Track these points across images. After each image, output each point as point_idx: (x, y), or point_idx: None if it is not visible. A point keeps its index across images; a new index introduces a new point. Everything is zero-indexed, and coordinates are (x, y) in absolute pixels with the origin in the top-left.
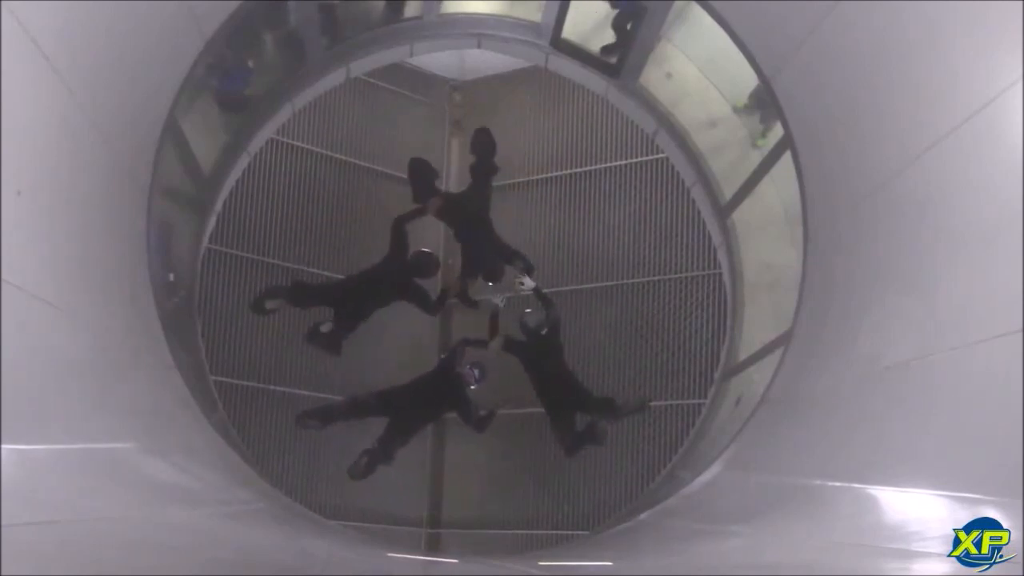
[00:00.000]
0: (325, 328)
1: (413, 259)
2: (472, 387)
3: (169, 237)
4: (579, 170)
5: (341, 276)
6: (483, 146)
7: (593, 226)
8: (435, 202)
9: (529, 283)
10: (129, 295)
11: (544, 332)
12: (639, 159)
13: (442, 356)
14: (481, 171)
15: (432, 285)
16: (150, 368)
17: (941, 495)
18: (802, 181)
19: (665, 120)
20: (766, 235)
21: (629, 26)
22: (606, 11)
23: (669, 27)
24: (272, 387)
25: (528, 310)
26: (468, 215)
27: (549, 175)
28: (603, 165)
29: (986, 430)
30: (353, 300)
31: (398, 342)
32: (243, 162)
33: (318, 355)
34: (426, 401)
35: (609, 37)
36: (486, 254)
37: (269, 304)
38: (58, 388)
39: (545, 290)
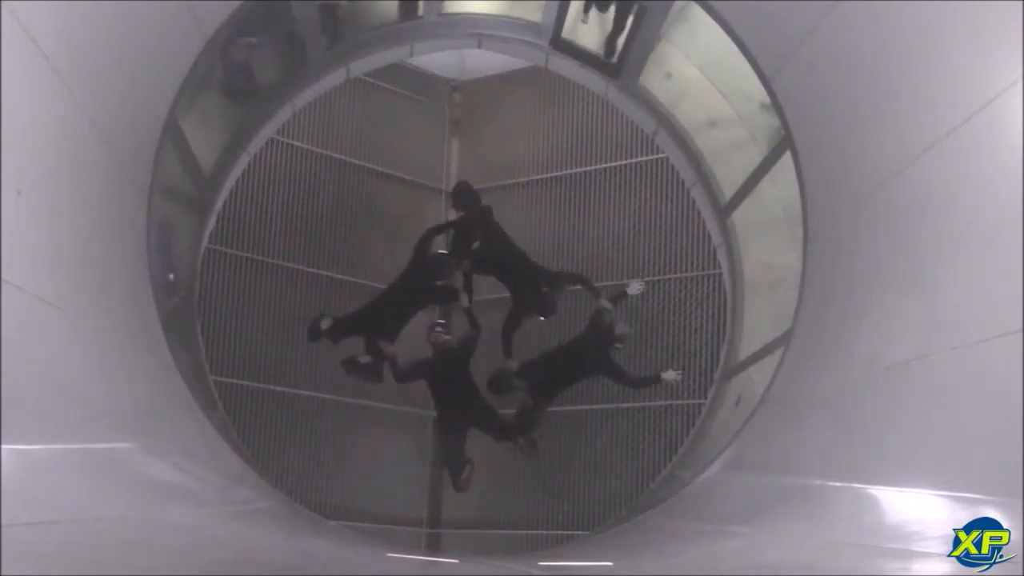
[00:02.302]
0: (364, 360)
1: (430, 263)
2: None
3: (169, 237)
4: (579, 170)
5: (365, 293)
6: (467, 200)
7: (593, 226)
8: (465, 264)
9: (635, 287)
10: (129, 295)
11: (616, 344)
12: (639, 159)
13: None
14: (476, 218)
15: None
16: (150, 368)
17: (941, 495)
18: (802, 181)
19: (665, 120)
20: (766, 235)
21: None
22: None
23: (669, 27)
24: (272, 387)
25: (621, 321)
26: (496, 257)
27: (549, 175)
28: (603, 165)
29: (986, 430)
30: (385, 319)
31: (398, 340)
32: (243, 162)
33: (318, 356)
34: (458, 396)
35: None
36: (530, 290)
37: (324, 323)
38: (58, 388)
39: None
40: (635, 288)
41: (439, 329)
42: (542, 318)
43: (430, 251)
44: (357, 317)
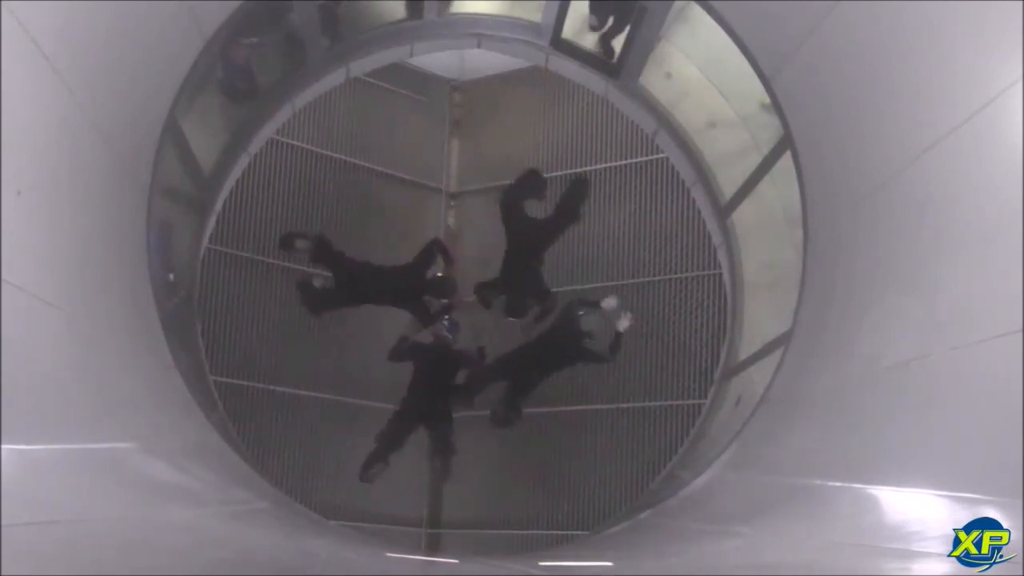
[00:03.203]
0: (317, 282)
1: (433, 281)
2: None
3: (169, 237)
4: (579, 170)
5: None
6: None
7: (593, 226)
8: (457, 299)
9: (610, 302)
10: (129, 295)
11: (584, 343)
12: (639, 159)
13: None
14: (565, 216)
15: None
16: (150, 368)
17: (941, 495)
18: (802, 181)
19: (665, 120)
20: (766, 235)
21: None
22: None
23: (669, 27)
24: (272, 387)
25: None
26: (528, 245)
27: (549, 175)
28: (603, 165)
29: (986, 430)
30: (362, 286)
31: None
32: (243, 162)
33: (318, 355)
34: (430, 393)
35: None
36: (518, 291)
37: (299, 243)
38: (58, 388)
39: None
40: (609, 303)
41: (444, 322)
42: (511, 318)
43: (434, 258)
44: (338, 262)
